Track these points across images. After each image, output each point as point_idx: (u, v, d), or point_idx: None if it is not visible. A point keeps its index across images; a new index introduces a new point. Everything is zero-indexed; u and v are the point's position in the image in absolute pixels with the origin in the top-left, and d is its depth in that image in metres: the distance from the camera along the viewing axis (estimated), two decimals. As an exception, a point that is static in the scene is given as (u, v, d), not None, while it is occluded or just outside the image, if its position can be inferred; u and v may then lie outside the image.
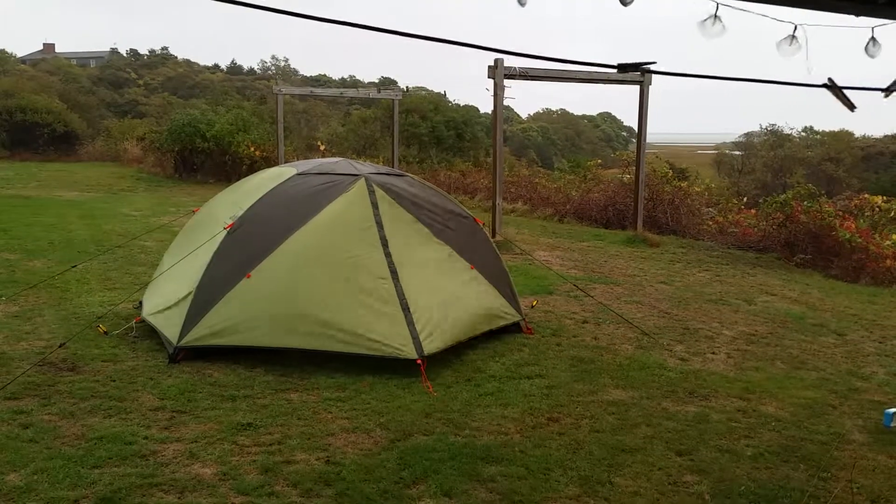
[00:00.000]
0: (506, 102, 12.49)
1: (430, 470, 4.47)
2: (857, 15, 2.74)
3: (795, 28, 2.89)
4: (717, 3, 2.69)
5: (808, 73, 3.08)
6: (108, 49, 68.62)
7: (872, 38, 2.96)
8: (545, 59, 3.38)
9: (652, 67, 3.19)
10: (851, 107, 3.26)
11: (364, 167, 7.39)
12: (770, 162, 41.93)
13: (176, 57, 63.33)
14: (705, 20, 2.74)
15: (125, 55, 64.30)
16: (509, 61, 12.06)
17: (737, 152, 48.69)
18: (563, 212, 16.77)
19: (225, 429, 4.92)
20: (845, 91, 3.23)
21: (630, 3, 2.39)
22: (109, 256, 10.07)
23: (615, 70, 3.25)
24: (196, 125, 21.02)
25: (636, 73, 12.70)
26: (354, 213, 6.61)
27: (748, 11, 2.74)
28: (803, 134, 45.40)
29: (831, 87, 3.19)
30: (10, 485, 4.09)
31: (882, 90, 3.27)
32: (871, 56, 3.00)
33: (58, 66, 49.06)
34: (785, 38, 2.90)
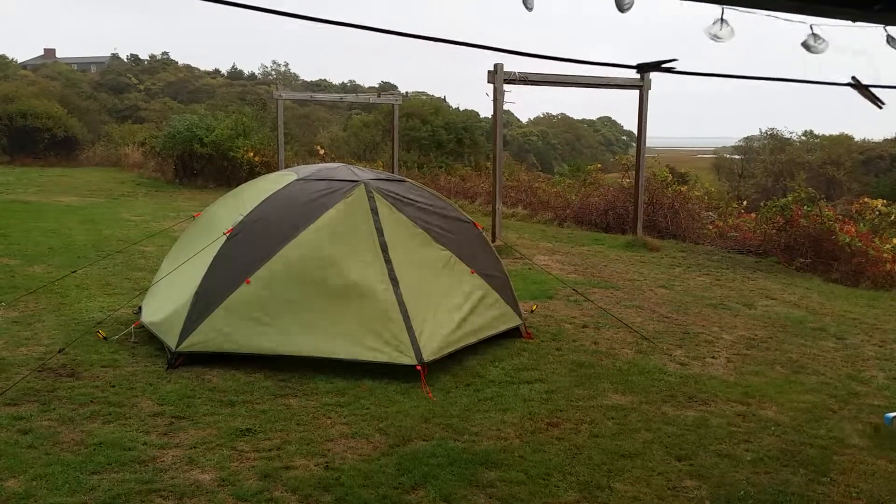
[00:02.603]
0: (506, 107, 12.51)
1: (430, 475, 4.47)
2: (855, 20, 2.75)
3: (811, 27, 2.89)
4: (723, 7, 2.69)
5: (869, 71, 3.06)
6: (108, 54, 68.70)
7: (890, 37, 2.96)
8: (555, 59, 3.35)
9: (673, 67, 3.18)
10: (879, 103, 3.25)
11: (364, 173, 7.40)
12: (770, 166, 41.98)
13: (177, 62, 63.37)
14: (713, 24, 2.74)
15: (126, 60, 64.34)
16: (510, 65, 12.09)
17: (736, 156, 48.76)
18: (562, 216, 16.77)
19: (224, 434, 4.92)
20: (871, 89, 3.22)
21: (627, 9, 2.39)
22: (109, 262, 10.08)
23: (634, 70, 3.25)
24: (194, 130, 21.03)
25: (643, 73, 12.61)
26: (354, 218, 6.62)
27: (754, 13, 2.74)
28: (803, 138, 45.48)
29: (856, 85, 3.19)
30: (10, 491, 4.09)
31: None
32: None
33: (58, 71, 49.13)
34: (810, 36, 2.89)
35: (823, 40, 2.88)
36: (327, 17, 2.83)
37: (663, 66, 3.26)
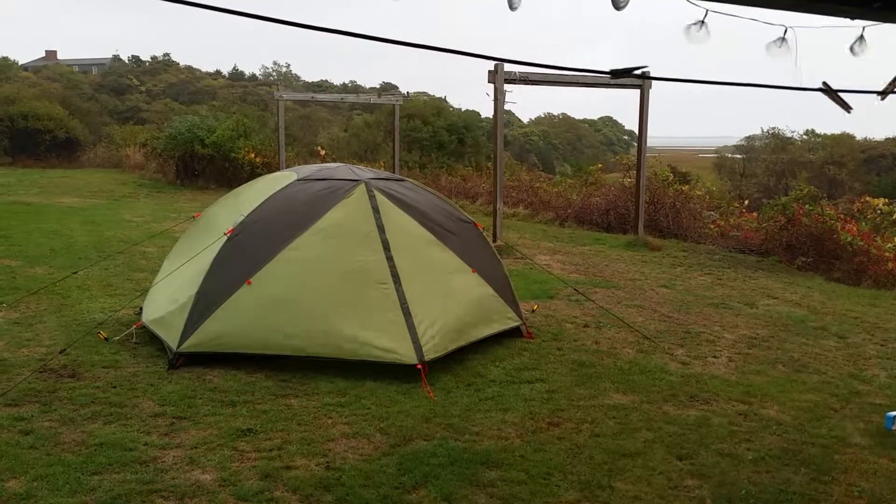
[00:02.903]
0: (506, 107, 12.53)
1: (430, 475, 4.47)
2: (853, 18, 2.75)
3: (786, 31, 2.90)
4: (707, 10, 2.70)
5: (798, 74, 3.09)
6: (110, 55, 68.77)
7: (861, 37, 2.97)
8: (539, 66, 3.41)
9: (646, 73, 3.21)
10: (847, 108, 3.27)
11: (364, 172, 7.40)
12: (772, 165, 41.98)
13: (178, 63, 63.43)
14: (691, 25, 2.75)
15: (127, 61, 64.41)
16: (510, 65, 12.08)
17: (738, 156, 48.75)
18: (564, 216, 16.77)
19: (225, 434, 4.92)
20: (841, 94, 3.24)
21: (623, 7, 2.39)
22: (110, 262, 10.09)
23: (609, 76, 3.26)
24: (195, 131, 21.04)
25: (630, 78, 12.68)
26: (355, 218, 6.62)
27: (738, 17, 2.75)
28: (805, 137, 45.46)
29: (826, 90, 3.21)
30: (10, 491, 4.09)
31: (878, 93, 3.28)
32: (856, 54, 3.01)
33: (60, 73, 49.20)
34: (774, 41, 2.91)
35: (787, 46, 2.89)
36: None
37: (634, 72, 3.29)
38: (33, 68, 55.26)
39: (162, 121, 32.95)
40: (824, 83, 3.14)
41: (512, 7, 2.44)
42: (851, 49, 2.94)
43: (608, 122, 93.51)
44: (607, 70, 3.23)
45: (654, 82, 13.51)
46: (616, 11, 2.33)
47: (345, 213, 6.61)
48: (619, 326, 7.88)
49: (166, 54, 64.60)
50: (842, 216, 13.53)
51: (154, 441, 4.79)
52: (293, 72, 73.32)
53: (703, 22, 2.64)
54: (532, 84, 12.62)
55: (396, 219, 6.75)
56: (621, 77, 3.33)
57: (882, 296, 10.56)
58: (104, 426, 4.99)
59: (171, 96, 52.34)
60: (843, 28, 2.83)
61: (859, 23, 2.79)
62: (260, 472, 4.42)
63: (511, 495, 4.29)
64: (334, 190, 6.80)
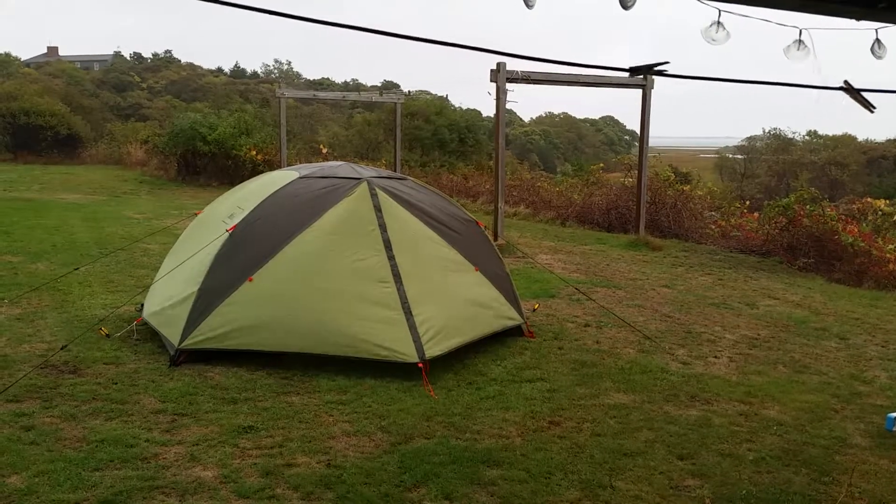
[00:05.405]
0: (508, 106, 12.52)
1: (431, 473, 4.47)
2: (858, 19, 2.75)
3: (801, 32, 2.89)
4: (720, 10, 2.70)
5: (818, 75, 3.08)
6: (111, 52, 68.77)
7: (877, 40, 2.97)
8: (552, 63, 3.39)
9: (665, 70, 3.20)
10: (870, 108, 3.25)
11: (366, 171, 7.40)
12: (773, 166, 42.01)
13: (179, 60, 63.44)
14: (709, 27, 2.75)
15: (129, 58, 64.43)
16: (513, 64, 12.08)
17: (739, 156, 48.78)
18: (565, 215, 16.78)
19: (226, 431, 4.92)
20: (862, 93, 3.22)
21: (631, 6, 2.39)
22: (112, 259, 10.09)
23: (626, 73, 3.26)
24: (197, 129, 21.03)
25: (642, 76, 12.69)
26: (357, 216, 6.62)
27: (750, 17, 2.75)
28: (807, 138, 45.47)
29: (848, 89, 3.19)
30: (12, 487, 4.10)
31: None
32: (879, 57, 3.00)
33: (61, 69, 49.13)
34: (793, 43, 2.90)
35: (807, 47, 2.89)
36: (330, 18, 2.84)
37: (655, 69, 3.28)
38: (35, 64, 55.26)
39: (163, 118, 32.93)
40: (845, 82, 3.12)
41: (528, 5, 2.44)
42: (872, 51, 2.93)
43: (609, 121, 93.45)
44: (626, 67, 3.23)
45: (655, 82, 13.51)
46: (624, 11, 2.33)
47: (346, 212, 6.61)
48: (620, 326, 7.88)
49: (168, 51, 64.72)
50: (843, 217, 13.53)
51: (155, 438, 4.80)
52: (294, 69, 73.37)
53: (719, 22, 2.64)
54: (534, 83, 12.61)
55: (398, 217, 6.75)
56: (640, 74, 3.33)
57: (883, 297, 10.56)
58: (105, 422, 4.99)
59: (173, 93, 52.31)
60: (853, 30, 2.83)
61: (865, 24, 2.79)
62: (261, 470, 4.43)
63: (512, 494, 4.29)
64: (336, 188, 6.80)
